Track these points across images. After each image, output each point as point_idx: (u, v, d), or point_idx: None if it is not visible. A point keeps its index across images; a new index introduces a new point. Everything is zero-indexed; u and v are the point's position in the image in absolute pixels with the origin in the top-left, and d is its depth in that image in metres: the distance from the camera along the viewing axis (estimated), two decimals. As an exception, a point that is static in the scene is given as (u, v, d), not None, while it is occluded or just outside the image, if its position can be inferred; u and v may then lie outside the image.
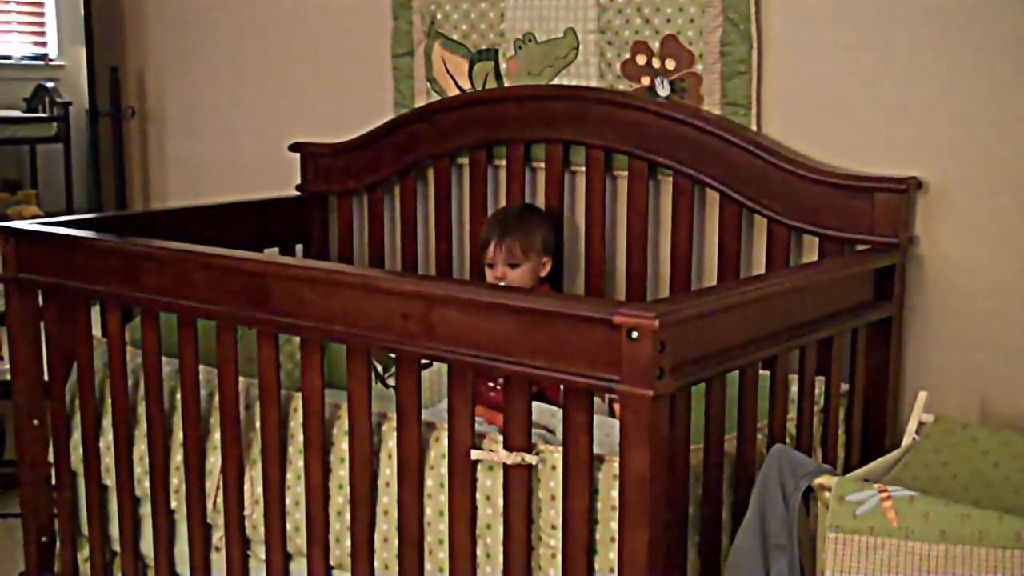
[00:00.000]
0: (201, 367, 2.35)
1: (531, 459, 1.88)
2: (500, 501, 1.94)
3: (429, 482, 2.05)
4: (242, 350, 2.34)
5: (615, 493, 1.79)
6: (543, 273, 2.64)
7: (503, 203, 2.86)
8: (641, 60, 2.62)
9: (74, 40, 3.82)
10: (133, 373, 2.51)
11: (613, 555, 1.82)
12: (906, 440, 2.07)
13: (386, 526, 2.11)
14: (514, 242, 2.58)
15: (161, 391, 2.40)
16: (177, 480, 2.43)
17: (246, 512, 2.32)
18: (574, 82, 2.73)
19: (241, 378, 2.30)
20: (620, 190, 2.69)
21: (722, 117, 2.51)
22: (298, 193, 3.22)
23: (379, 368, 2.98)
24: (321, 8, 3.22)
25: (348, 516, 2.15)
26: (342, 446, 2.16)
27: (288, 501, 2.25)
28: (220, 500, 2.35)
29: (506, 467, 1.91)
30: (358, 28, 3.13)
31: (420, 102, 2.99)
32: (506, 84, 2.85)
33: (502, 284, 2.55)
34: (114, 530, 2.61)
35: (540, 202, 2.81)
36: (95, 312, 2.59)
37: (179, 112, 3.66)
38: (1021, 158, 2.21)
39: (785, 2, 2.44)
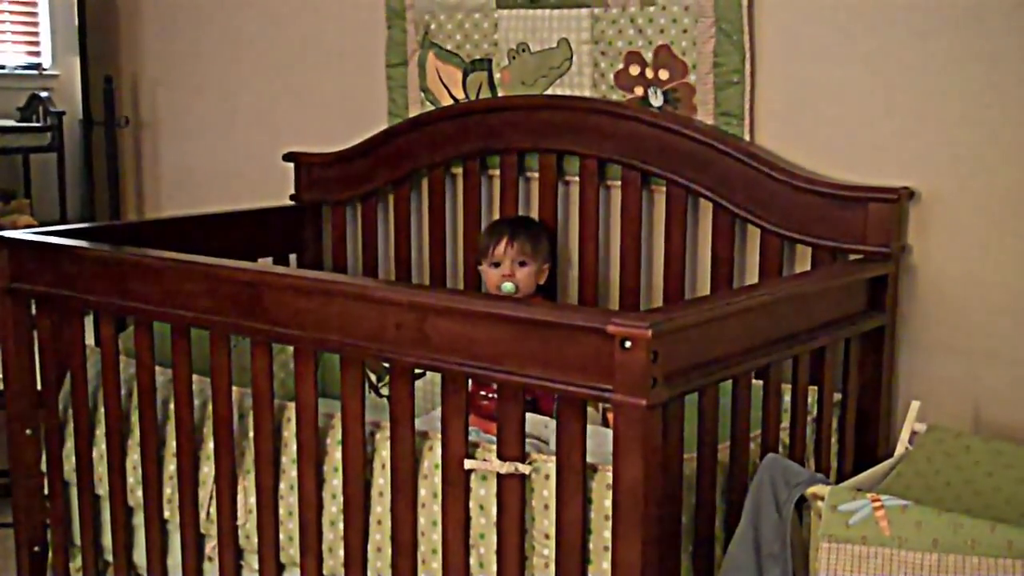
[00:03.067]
0: (194, 376, 2.35)
1: (524, 468, 1.88)
2: (493, 510, 1.94)
3: (422, 491, 2.05)
4: (235, 359, 2.34)
5: (608, 502, 1.79)
6: (541, 281, 2.66)
7: (497, 213, 2.87)
8: (634, 70, 2.63)
9: (68, 49, 3.82)
10: (126, 383, 2.51)
11: (607, 564, 1.82)
12: (899, 449, 2.07)
13: (379, 535, 2.11)
14: (525, 241, 2.62)
15: (154, 401, 2.40)
16: (170, 490, 2.43)
17: (239, 522, 2.32)
18: (567, 92, 2.74)
19: (234, 387, 2.29)
20: (614, 200, 2.70)
21: (715, 127, 2.52)
22: (292, 203, 3.23)
23: (372, 378, 2.98)
24: (315, 18, 3.23)
25: (341, 525, 2.15)
26: (335, 455, 2.16)
27: (281, 511, 2.24)
28: (213, 510, 2.35)
29: (499, 476, 1.91)
30: (352, 38, 3.14)
31: (414, 112, 3.00)
32: (500, 94, 2.85)
33: (508, 284, 2.58)
34: (107, 540, 2.61)
35: (534, 212, 2.81)
36: (88, 321, 2.59)
37: (173, 121, 3.66)
38: (1013, 168, 2.22)
39: (777, 13, 2.45)
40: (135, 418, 2.47)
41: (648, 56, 2.60)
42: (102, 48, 3.76)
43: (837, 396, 2.27)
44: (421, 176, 3.01)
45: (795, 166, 2.43)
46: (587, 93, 2.71)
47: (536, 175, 2.79)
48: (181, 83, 3.61)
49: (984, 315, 2.27)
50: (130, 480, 2.50)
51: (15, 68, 3.92)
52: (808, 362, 2.11)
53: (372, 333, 1.99)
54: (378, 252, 3.10)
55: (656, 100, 2.61)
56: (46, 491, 2.68)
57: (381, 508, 2.10)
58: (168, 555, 2.49)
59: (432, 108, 2.96)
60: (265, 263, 3.02)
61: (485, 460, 1.93)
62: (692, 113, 2.56)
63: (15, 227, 3.36)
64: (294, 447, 2.20)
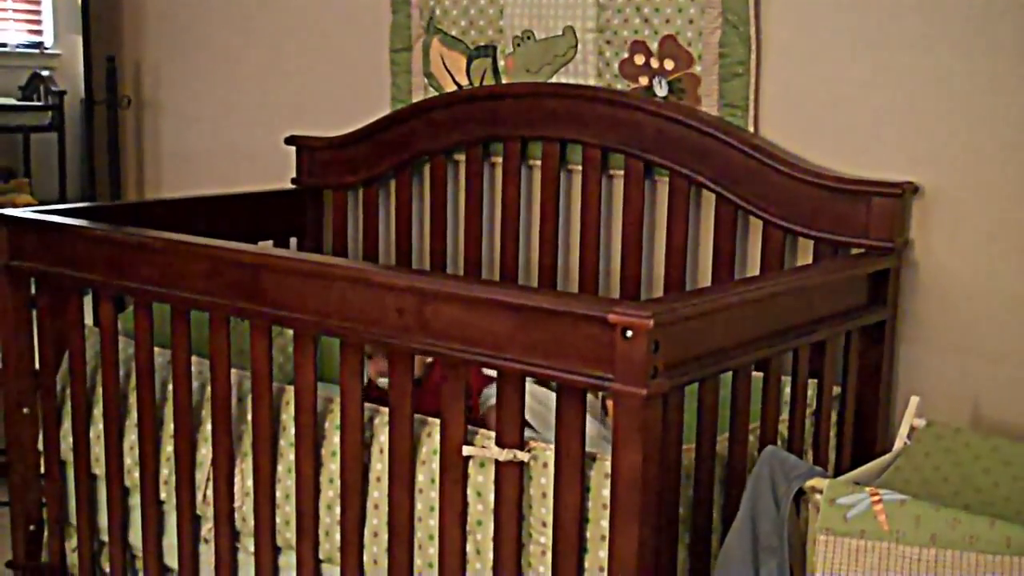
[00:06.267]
0: (193, 358, 2.35)
1: (523, 456, 1.88)
2: (491, 497, 1.94)
3: (420, 477, 2.04)
4: (235, 342, 2.33)
5: (607, 492, 1.79)
6: None
7: (499, 200, 2.86)
8: (639, 60, 2.62)
9: (70, 28, 3.81)
10: (125, 363, 2.50)
11: (604, 554, 1.82)
12: (897, 444, 2.07)
13: (376, 520, 2.11)
14: None
15: (153, 382, 2.39)
16: (167, 471, 2.42)
17: (236, 504, 2.32)
18: (572, 80, 2.73)
19: (233, 370, 2.29)
20: (616, 189, 2.69)
21: (719, 118, 2.51)
22: (293, 186, 3.22)
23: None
24: (320, 1, 3.22)
25: (338, 510, 2.15)
26: (333, 440, 2.15)
27: (278, 494, 2.24)
28: (210, 492, 2.35)
29: (498, 463, 1.90)
30: (356, 22, 3.13)
31: (417, 97, 2.99)
32: (504, 81, 2.84)
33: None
34: (103, 520, 2.61)
35: (536, 200, 2.81)
36: (88, 301, 2.58)
37: (175, 102, 3.65)
38: (1016, 164, 2.21)
39: (784, 5, 2.44)
40: (133, 399, 2.46)
41: (653, 46, 2.60)
42: (104, 27, 3.75)
43: (837, 390, 2.27)
44: (423, 162, 3.01)
45: (799, 159, 2.43)
46: (592, 82, 2.70)
47: (538, 163, 2.78)
48: (184, 64, 3.60)
49: (985, 311, 2.27)
50: (127, 461, 2.50)
51: (16, 46, 3.92)
52: (808, 355, 2.10)
53: (372, 318, 1.98)
54: (379, 237, 3.09)
55: (661, 90, 2.60)
56: (42, 471, 2.68)
57: (378, 493, 2.10)
58: (164, 536, 2.49)
59: (435, 94, 2.95)
60: (265, 246, 3.01)
61: (483, 447, 1.92)
62: (696, 104, 2.55)
63: (14, 206, 3.36)
64: (292, 430, 2.19)
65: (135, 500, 2.53)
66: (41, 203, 3.60)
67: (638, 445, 1.68)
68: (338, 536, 2.15)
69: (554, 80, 2.76)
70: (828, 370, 2.18)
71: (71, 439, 2.58)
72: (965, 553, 1.61)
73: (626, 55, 2.64)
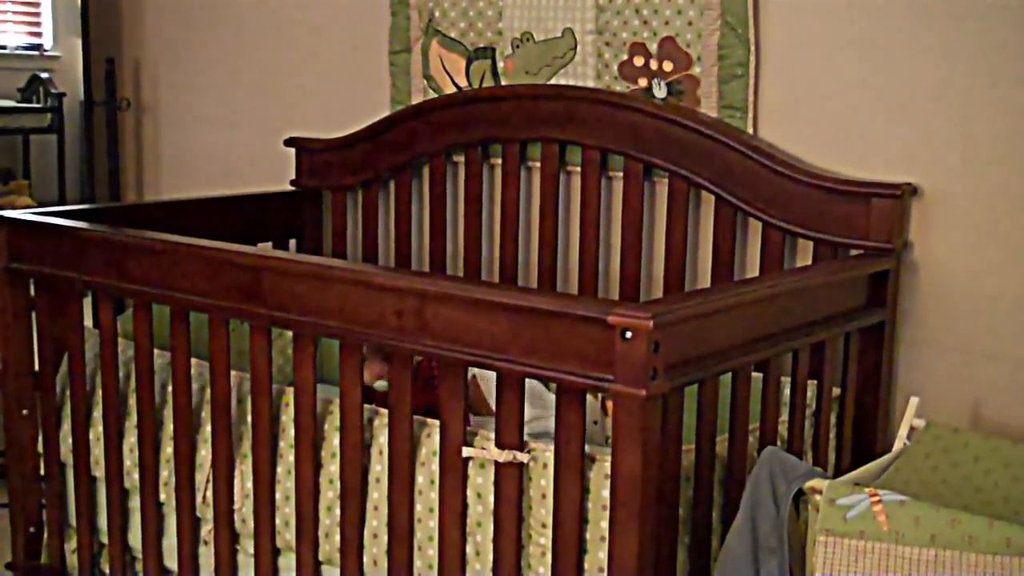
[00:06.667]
0: (193, 360, 2.35)
1: (523, 457, 1.88)
2: (491, 499, 1.94)
3: (420, 479, 2.04)
4: (234, 344, 2.33)
5: (606, 492, 1.79)
6: None
7: (498, 201, 2.86)
8: (639, 61, 2.62)
9: (70, 30, 3.81)
10: (124, 365, 2.50)
11: (603, 555, 1.82)
12: (897, 445, 2.07)
13: (376, 522, 2.11)
14: None
15: (152, 383, 2.39)
16: (167, 473, 2.42)
17: (235, 506, 2.32)
18: (571, 82, 2.73)
19: (233, 372, 2.29)
20: (615, 191, 2.69)
21: (719, 120, 2.51)
22: (293, 188, 3.22)
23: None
24: (319, 3, 3.22)
25: (338, 511, 2.15)
26: (333, 441, 2.16)
27: (278, 496, 2.24)
28: (210, 494, 2.35)
29: (497, 465, 1.90)
30: (356, 24, 3.13)
31: (416, 99, 2.99)
32: (503, 83, 2.85)
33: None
34: (102, 522, 2.61)
35: (535, 201, 2.81)
36: (87, 303, 2.58)
37: (174, 104, 3.65)
38: (1016, 165, 2.22)
39: (783, 6, 2.44)
40: (133, 401, 2.46)
41: (653, 47, 2.60)
42: (104, 29, 3.75)
43: (836, 391, 2.27)
44: (422, 164, 3.01)
45: (798, 160, 2.43)
46: (591, 83, 2.70)
47: (538, 164, 2.79)
48: (183, 66, 3.60)
49: (984, 312, 2.27)
50: (127, 462, 2.50)
51: (16, 48, 3.92)
52: (808, 356, 2.11)
53: (371, 319, 1.98)
54: (378, 239, 3.10)
55: (660, 92, 2.60)
56: (42, 472, 2.68)
57: (378, 494, 2.10)
58: (164, 538, 2.49)
59: (435, 96, 2.95)
60: (265, 248, 3.01)
61: (483, 448, 1.92)
62: (696, 105, 2.55)
63: (14, 207, 3.36)
64: (292, 432, 2.20)
65: (135, 502, 2.53)
66: (40, 205, 3.60)
67: (638, 446, 1.68)
68: (338, 538, 2.15)
69: (553, 82, 2.76)
70: (828, 371, 2.18)
71: (71, 441, 2.58)
72: (964, 553, 1.61)
73: (625, 57, 2.64)
